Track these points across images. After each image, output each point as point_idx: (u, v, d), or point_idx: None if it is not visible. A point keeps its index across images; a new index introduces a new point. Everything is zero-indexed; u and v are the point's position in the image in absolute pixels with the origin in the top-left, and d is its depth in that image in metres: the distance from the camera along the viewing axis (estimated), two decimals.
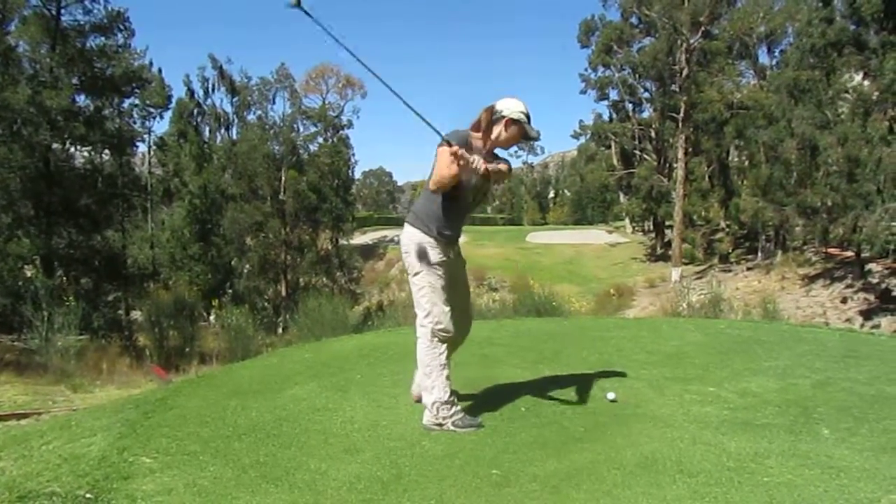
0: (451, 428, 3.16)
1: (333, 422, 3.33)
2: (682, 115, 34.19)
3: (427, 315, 3.22)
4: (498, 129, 3.27)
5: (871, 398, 3.59)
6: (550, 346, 5.30)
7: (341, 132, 43.73)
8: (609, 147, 47.03)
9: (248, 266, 36.76)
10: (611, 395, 3.60)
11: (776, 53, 36.40)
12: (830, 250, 28.96)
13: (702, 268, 34.78)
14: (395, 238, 47.60)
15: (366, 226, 59.20)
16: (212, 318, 21.26)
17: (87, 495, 2.42)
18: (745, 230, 36.74)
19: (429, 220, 3.26)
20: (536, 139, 3.41)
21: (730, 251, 36.06)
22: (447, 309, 3.23)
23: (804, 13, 27.36)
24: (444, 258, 3.26)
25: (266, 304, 35.16)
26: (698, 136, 36.16)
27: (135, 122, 30.79)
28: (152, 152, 39.45)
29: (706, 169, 38.21)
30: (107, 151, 25.73)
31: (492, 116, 3.28)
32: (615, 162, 46.00)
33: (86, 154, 24.70)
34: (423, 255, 3.23)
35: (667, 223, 40.90)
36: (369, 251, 48.71)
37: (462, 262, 3.48)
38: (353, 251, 42.38)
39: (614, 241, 49.55)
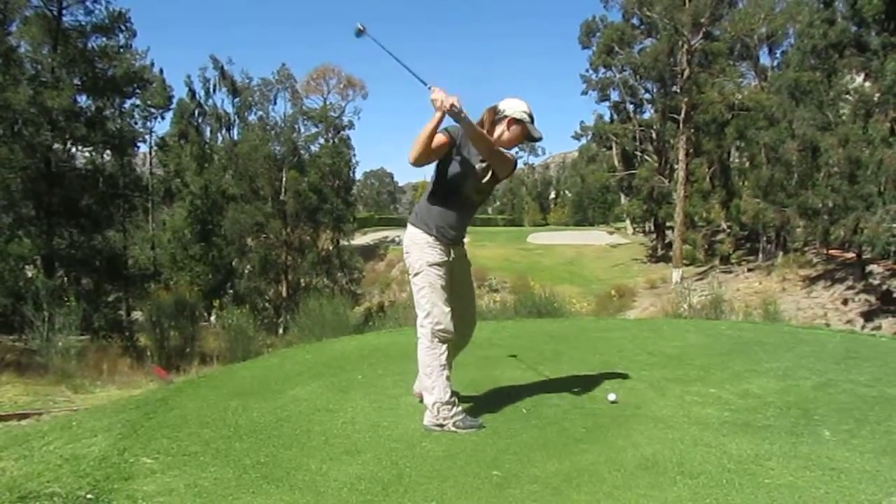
0: (452, 429, 3.15)
1: (334, 422, 3.33)
2: (683, 116, 34.20)
3: (427, 315, 3.21)
4: (500, 129, 3.26)
5: (872, 400, 3.59)
6: (551, 347, 5.29)
7: (342, 133, 43.76)
8: (610, 148, 47.07)
9: (248, 267, 36.77)
10: (612, 397, 3.60)
11: (777, 54, 36.49)
12: (831, 252, 28.96)
13: (703, 269, 34.78)
14: (396, 239, 47.71)
15: (367, 226, 59.23)
16: (212, 318, 21.30)
17: (88, 496, 2.42)
18: (746, 231, 36.76)
19: (429, 219, 3.25)
20: (540, 139, 3.38)
21: (731, 252, 36.06)
22: (447, 309, 3.21)
23: (805, 14, 27.38)
24: (445, 258, 3.24)
25: (267, 304, 35.19)
26: (699, 137, 36.19)
27: (136, 123, 30.85)
28: (153, 153, 39.48)
29: (707, 170, 38.21)
30: (108, 152, 25.78)
31: (494, 117, 3.27)
32: (616, 163, 46.03)
33: (87, 154, 24.76)
34: (422, 255, 3.22)
35: (668, 224, 40.90)
36: (370, 252, 48.72)
37: (467, 263, 3.46)
38: (353, 252, 42.38)
39: (615, 242, 49.57)
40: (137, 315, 23.31)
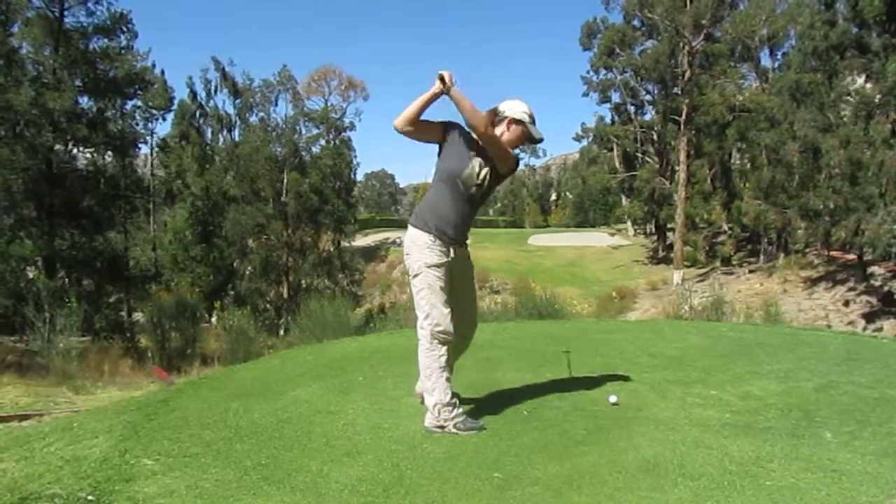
0: (453, 430, 3.15)
1: (335, 424, 3.33)
2: (684, 117, 34.20)
3: (426, 317, 3.20)
4: (500, 130, 3.25)
5: (873, 401, 3.58)
6: (552, 348, 5.29)
7: (343, 134, 43.79)
8: (611, 150, 47.11)
9: (249, 268, 36.79)
10: (613, 398, 3.59)
11: (778, 56, 36.50)
12: (833, 253, 28.94)
13: (704, 270, 34.76)
14: (397, 240, 47.67)
15: (368, 228, 59.25)
16: (213, 319, 21.27)
17: (89, 497, 2.42)
18: (748, 233, 36.73)
19: (429, 219, 3.25)
20: (540, 141, 3.37)
21: (732, 254, 36.05)
22: (447, 311, 3.20)
23: (806, 16, 27.41)
24: (445, 259, 3.23)
25: (268, 305, 35.20)
26: (700, 138, 36.20)
27: (137, 124, 30.79)
28: (155, 154, 39.53)
29: (708, 171, 38.23)
30: (109, 153, 25.78)
31: (495, 118, 3.26)
32: (617, 164, 46.06)
33: (88, 156, 24.77)
34: (421, 257, 3.22)
35: (669, 226, 40.90)
36: (371, 253, 48.74)
37: (469, 265, 3.44)
38: (354, 253, 42.41)
39: (616, 243, 49.56)
40: (138, 316, 23.33)
